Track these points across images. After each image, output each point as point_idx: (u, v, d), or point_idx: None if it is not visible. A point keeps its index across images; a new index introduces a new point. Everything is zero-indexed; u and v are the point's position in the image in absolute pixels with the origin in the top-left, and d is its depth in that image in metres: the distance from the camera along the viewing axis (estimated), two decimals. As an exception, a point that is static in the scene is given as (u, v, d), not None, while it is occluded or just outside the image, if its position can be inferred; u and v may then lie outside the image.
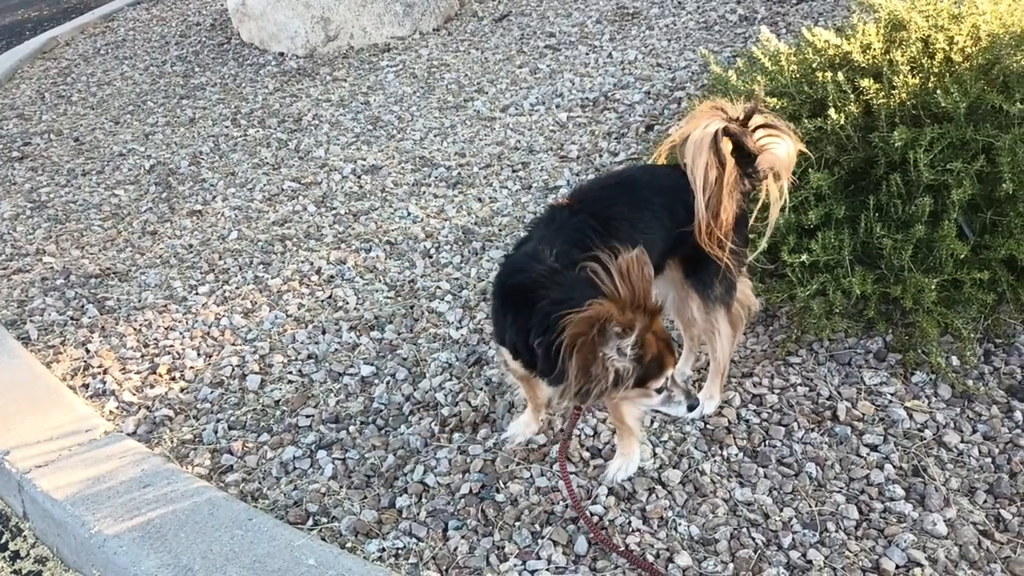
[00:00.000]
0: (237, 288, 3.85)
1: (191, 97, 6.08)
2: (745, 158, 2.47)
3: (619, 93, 4.93)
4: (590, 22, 6.01)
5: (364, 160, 4.79)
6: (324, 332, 3.48)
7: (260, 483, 2.82)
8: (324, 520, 2.64)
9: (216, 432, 3.04)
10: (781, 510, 2.45)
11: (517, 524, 2.53)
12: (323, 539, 2.57)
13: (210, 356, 3.43)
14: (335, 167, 4.77)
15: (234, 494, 2.78)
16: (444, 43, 6.23)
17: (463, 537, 2.52)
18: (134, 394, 3.26)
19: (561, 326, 2.03)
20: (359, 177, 4.64)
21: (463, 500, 2.64)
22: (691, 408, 2.36)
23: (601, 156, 4.36)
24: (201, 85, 6.26)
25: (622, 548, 2.37)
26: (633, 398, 2.30)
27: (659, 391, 2.27)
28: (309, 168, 4.81)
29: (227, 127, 5.51)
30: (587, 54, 5.54)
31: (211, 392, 3.23)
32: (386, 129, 5.13)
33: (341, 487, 2.75)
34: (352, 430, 2.98)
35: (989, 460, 2.51)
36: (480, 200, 4.24)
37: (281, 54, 6.57)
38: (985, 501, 2.40)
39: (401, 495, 2.69)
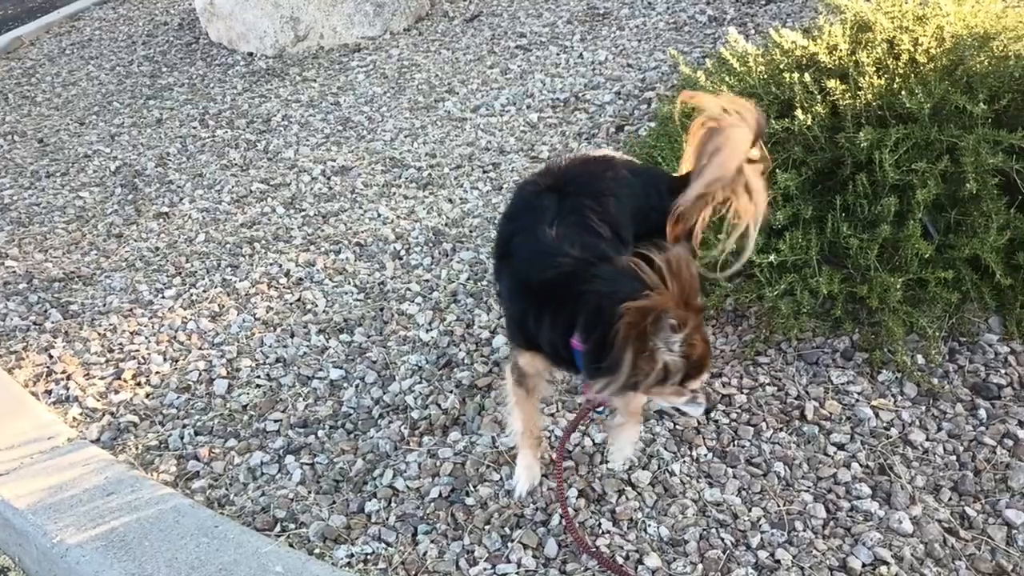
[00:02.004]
0: (204, 291, 3.80)
1: (158, 98, 6.00)
2: None
3: (589, 93, 4.93)
4: (561, 22, 6.01)
5: (334, 161, 4.75)
6: (293, 335, 3.45)
7: (227, 489, 2.78)
8: (292, 526, 2.61)
9: (182, 438, 3.00)
10: (750, 510, 2.46)
11: (487, 527, 2.52)
12: (291, 545, 2.54)
13: (176, 361, 3.39)
14: (304, 168, 4.73)
15: (200, 501, 2.74)
16: (415, 43, 6.20)
17: (432, 541, 2.50)
18: (98, 400, 3.21)
19: (618, 314, 1.95)
20: (329, 178, 4.60)
21: (433, 504, 2.62)
22: (707, 411, 2.35)
23: (572, 157, 4.36)
24: (168, 85, 6.18)
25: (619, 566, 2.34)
26: (667, 394, 2.18)
27: (692, 392, 2.18)
28: (278, 169, 4.76)
29: (195, 128, 5.44)
30: (558, 54, 5.53)
31: (177, 397, 3.19)
32: (356, 130, 5.09)
33: (309, 492, 2.73)
34: (321, 434, 2.95)
35: (954, 458, 2.53)
36: (451, 201, 4.22)
37: (250, 54, 6.50)
38: (950, 499, 2.42)
39: (370, 500, 2.67)
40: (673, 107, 3.75)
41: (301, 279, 3.80)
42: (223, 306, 3.68)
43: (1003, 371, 2.79)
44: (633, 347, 1.96)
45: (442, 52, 5.96)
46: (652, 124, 4.32)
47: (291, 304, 3.64)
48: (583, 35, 5.74)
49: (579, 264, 2.14)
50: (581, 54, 5.46)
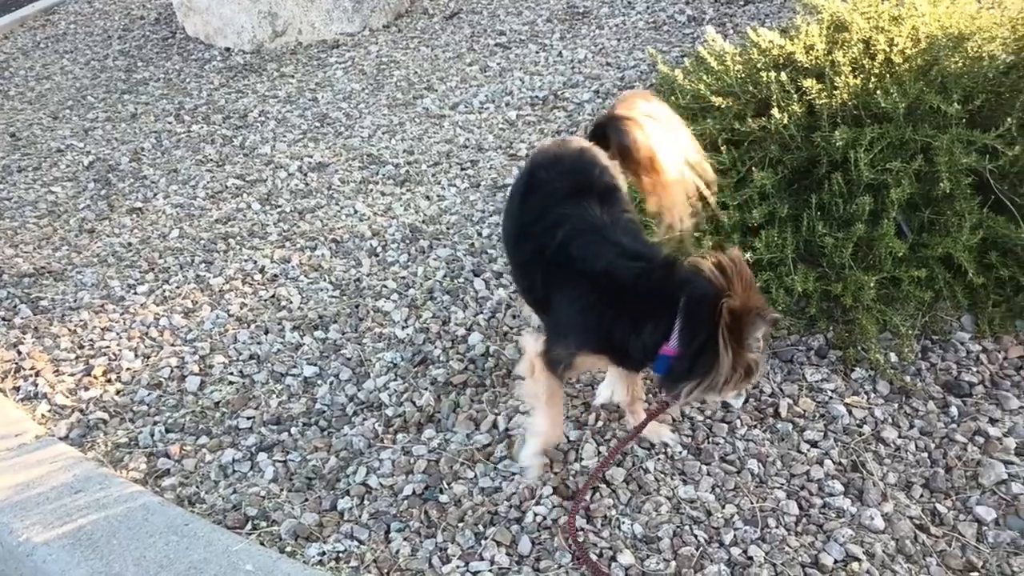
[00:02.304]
0: (177, 287, 3.75)
1: (133, 92, 5.93)
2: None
3: (568, 92, 4.92)
4: (541, 21, 6.00)
5: (311, 157, 4.72)
6: (267, 332, 3.41)
7: (198, 487, 2.75)
8: (263, 524, 2.58)
9: (153, 435, 2.96)
10: (723, 507, 2.46)
11: (460, 525, 2.50)
12: (262, 544, 2.51)
13: (148, 357, 3.34)
14: (281, 164, 4.69)
15: (170, 499, 2.70)
16: (394, 40, 6.17)
17: (405, 539, 2.48)
18: (67, 397, 3.16)
19: (717, 315, 1.99)
20: (305, 174, 4.56)
21: (406, 501, 2.60)
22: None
23: (550, 154, 4.35)
24: (144, 80, 6.11)
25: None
26: (732, 391, 2.22)
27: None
28: (254, 165, 4.72)
29: (170, 123, 5.38)
30: (537, 52, 5.52)
31: (148, 394, 3.14)
32: (334, 126, 5.05)
33: (282, 490, 2.70)
34: (294, 432, 2.92)
35: (925, 455, 2.55)
36: (428, 198, 4.19)
37: (227, 49, 6.44)
38: (921, 495, 2.43)
39: (343, 497, 2.64)
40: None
41: (276, 275, 3.77)
42: (196, 302, 3.64)
43: (975, 369, 2.81)
44: (732, 348, 2.01)
45: (421, 49, 5.94)
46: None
47: (265, 301, 3.61)
48: (563, 33, 5.73)
49: (653, 268, 2.17)
50: (560, 52, 5.46)
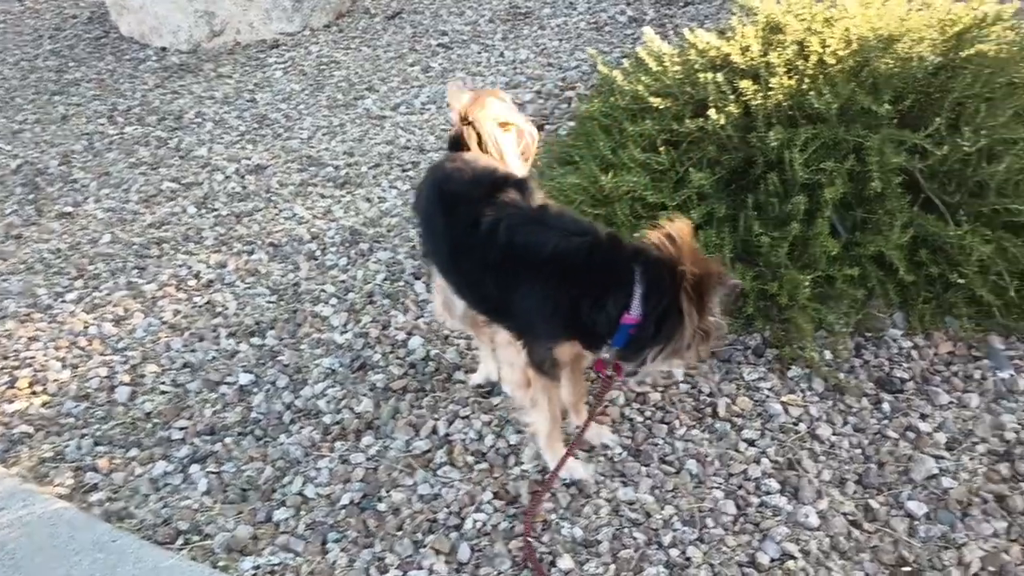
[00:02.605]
0: (108, 295, 3.64)
1: (64, 93, 5.75)
2: None
3: (510, 92, 4.89)
4: (483, 21, 5.97)
5: (249, 159, 4.62)
6: (201, 339, 3.32)
7: (127, 502, 2.66)
8: (196, 538, 2.51)
9: (80, 449, 2.86)
10: (662, 508, 2.46)
11: (399, 533, 2.46)
12: (194, 559, 2.44)
13: (76, 367, 3.23)
14: (218, 167, 4.58)
15: (97, 515, 2.62)
16: (335, 40, 6.08)
17: (343, 550, 2.44)
18: (-11, 410, 3.04)
19: (677, 282, 2.06)
20: (243, 177, 4.47)
21: (343, 511, 2.55)
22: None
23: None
24: (76, 81, 5.93)
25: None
26: (691, 356, 2.30)
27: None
28: (190, 168, 4.61)
29: (102, 125, 5.22)
30: (479, 53, 5.49)
31: (76, 406, 3.04)
32: (272, 127, 4.96)
33: (215, 502, 2.63)
34: (228, 442, 2.85)
35: (859, 451, 2.58)
36: (368, 200, 4.13)
37: (163, 49, 6.28)
38: (855, 492, 2.46)
39: (279, 508, 2.59)
40: (591, 106, 3.77)
41: (211, 281, 3.68)
42: (128, 310, 3.53)
43: (906, 365, 2.86)
44: (696, 310, 2.09)
45: (363, 49, 5.86)
46: (572, 123, 4.32)
47: (200, 307, 3.52)
48: (505, 34, 5.71)
49: (602, 247, 2.21)
50: (502, 53, 5.43)
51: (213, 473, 2.74)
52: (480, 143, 2.54)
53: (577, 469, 2.56)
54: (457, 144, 2.58)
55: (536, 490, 2.51)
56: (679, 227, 2.11)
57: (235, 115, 5.15)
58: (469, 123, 2.54)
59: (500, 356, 2.60)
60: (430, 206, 2.51)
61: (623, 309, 2.15)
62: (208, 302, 3.54)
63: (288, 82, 5.51)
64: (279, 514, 2.56)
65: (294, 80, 5.53)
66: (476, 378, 2.96)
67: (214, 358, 3.22)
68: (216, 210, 4.20)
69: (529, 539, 2.36)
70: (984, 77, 3.07)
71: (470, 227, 2.32)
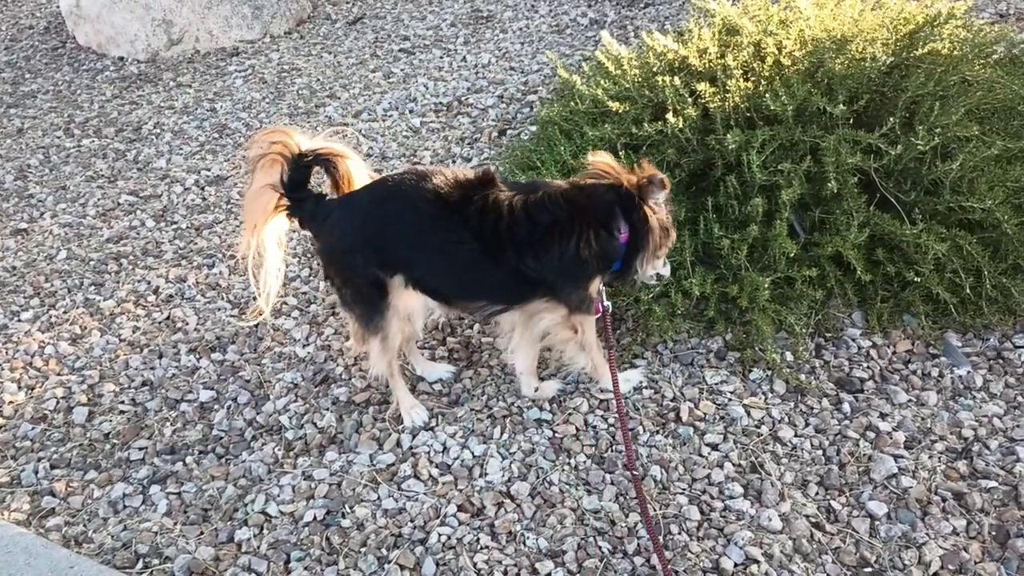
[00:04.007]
0: (65, 312, 3.57)
1: (20, 106, 5.65)
2: None
3: (472, 97, 4.88)
4: (445, 25, 5.95)
5: (209, 170, 4.56)
6: (161, 356, 3.28)
7: (85, 526, 2.62)
8: (156, 562, 2.47)
9: (37, 472, 2.81)
10: (627, 516, 2.46)
11: (363, 550, 2.44)
12: (153, 582, 2.40)
13: (32, 389, 3.17)
14: (177, 178, 4.52)
15: (55, 540, 2.57)
16: (296, 47, 6.03)
17: (306, 568, 2.41)
18: (-58, 436, 2.97)
19: (636, 194, 2.50)
20: (203, 188, 4.41)
21: (307, 528, 2.52)
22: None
23: (454, 162, 4.31)
24: (32, 93, 5.82)
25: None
26: (661, 256, 2.70)
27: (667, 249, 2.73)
28: (149, 180, 4.54)
29: (59, 137, 5.13)
30: (441, 57, 5.47)
31: (32, 428, 2.98)
32: (233, 137, 4.90)
33: (176, 524, 2.59)
34: (189, 461, 2.81)
35: (820, 452, 2.59)
36: (331, 210, 4.09)
37: (121, 58, 6.19)
38: (817, 493, 2.47)
39: (241, 528, 2.55)
40: (552, 111, 3.77)
41: (171, 296, 3.63)
42: (85, 328, 3.47)
43: (865, 364, 2.88)
44: (647, 214, 2.52)
45: (324, 56, 5.81)
46: (534, 128, 4.31)
47: (159, 323, 3.47)
48: (467, 38, 5.69)
49: (586, 187, 2.57)
50: (465, 57, 5.41)
51: (173, 494, 2.70)
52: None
53: (633, 377, 2.91)
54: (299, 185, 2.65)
55: (623, 422, 2.55)
56: (602, 158, 2.60)
57: (195, 125, 5.08)
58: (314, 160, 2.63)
59: (538, 328, 2.76)
60: (413, 219, 2.54)
61: (619, 233, 2.54)
62: (168, 317, 3.49)
63: (248, 90, 5.45)
64: (241, 534, 2.53)
65: (255, 88, 5.47)
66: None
67: (174, 375, 3.18)
68: (175, 223, 4.14)
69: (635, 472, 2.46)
70: (937, 76, 3.11)
71: (477, 226, 2.50)
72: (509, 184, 2.60)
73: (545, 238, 2.51)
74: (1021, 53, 3.82)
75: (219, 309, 3.51)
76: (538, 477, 2.60)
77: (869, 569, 2.25)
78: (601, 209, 2.54)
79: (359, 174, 2.71)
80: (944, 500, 2.40)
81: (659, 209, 2.54)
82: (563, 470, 2.62)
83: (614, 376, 2.59)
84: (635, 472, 2.44)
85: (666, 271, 2.80)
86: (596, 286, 2.66)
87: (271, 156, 2.59)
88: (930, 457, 2.53)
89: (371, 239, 2.57)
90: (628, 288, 3.05)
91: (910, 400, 2.74)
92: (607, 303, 2.70)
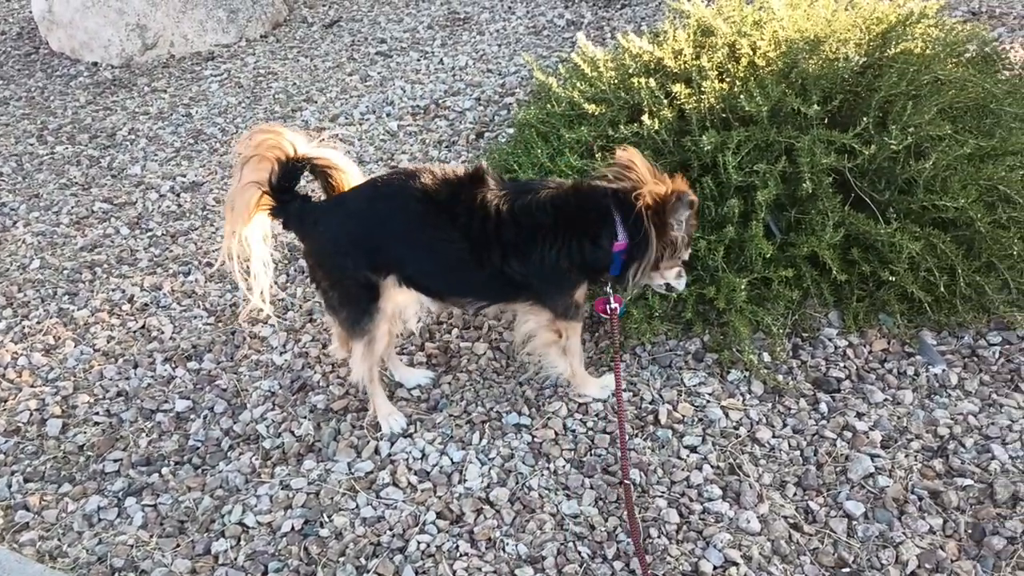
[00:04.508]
0: (38, 323, 3.53)
1: (-8, 113, 5.58)
2: None
3: (450, 100, 4.87)
4: (422, 28, 5.93)
5: (184, 176, 4.52)
6: (136, 366, 3.24)
7: (60, 540, 2.58)
8: (131, 575, 2.44)
9: (10, 487, 2.77)
10: (606, 520, 2.46)
11: (341, 560, 2.42)
12: (129, 597, 2.37)
13: (4, 401, 3.13)
14: (152, 185, 4.48)
15: (29, 555, 2.53)
16: (272, 50, 5.99)
17: (284, 579, 2.39)
18: (-87, 451, 2.93)
19: (639, 201, 2.41)
20: (178, 195, 4.37)
21: (285, 539, 2.50)
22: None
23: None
24: (3, 99, 5.75)
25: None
26: (669, 268, 2.65)
27: (684, 263, 2.70)
28: (123, 187, 4.49)
29: (32, 144, 5.07)
30: (418, 60, 5.45)
31: (4, 442, 2.94)
32: (209, 143, 4.86)
33: (151, 536, 2.56)
34: (165, 472, 2.78)
35: (798, 453, 2.60)
36: (308, 215, 4.06)
37: (95, 64, 6.13)
38: (795, 494, 2.48)
39: (218, 539, 2.53)
40: (529, 113, 3.76)
41: (146, 304, 3.59)
42: (59, 338, 3.43)
43: (842, 364, 2.89)
44: (655, 227, 2.44)
45: (300, 59, 5.78)
46: (511, 130, 4.30)
47: (135, 332, 3.43)
48: (444, 40, 5.68)
49: (584, 189, 2.54)
50: (442, 60, 5.40)
51: (149, 506, 2.67)
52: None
53: (611, 383, 2.81)
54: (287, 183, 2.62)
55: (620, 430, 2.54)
56: (630, 154, 2.50)
57: (170, 131, 5.04)
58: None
59: (523, 331, 2.78)
60: (403, 218, 2.54)
61: (613, 239, 2.49)
62: (143, 327, 3.45)
63: (224, 95, 5.41)
64: (218, 545, 2.50)
65: (230, 93, 5.43)
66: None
67: (149, 385, 3.15)
68: (151, 230, 4.10)
69: (627, 482, 2.45)
70: (910, 75, 3.12)
71: (465, 225, 2.49)
72: (504, 183, 2.58)
73: (529, 242, 2.50)
74: (993, 51, 3.86)
75: (195, 317, 3.48)
76: (517, 482, 2.59)
77: (847, 569, 2.26)
78: (591, 216, 2.51)
79: (353, 183, 2.68)
80: (920, 499, 2.41)
81: (677, 225, 2.47)
82: (542, 475, 2.62)
83: (618, 380, 2.59)
84: (627, 481, 2.43)
85: (679, 284, 2.74)
86: (582, 292, 2.67)
87: (260, 155, 2.56)
88: (906, 456, 2.55)
89: (362, 241, 2.57)
90: (635, 292, 2.97)
91: (886, 399, 2.75)
92: (615, 304, 2.66)
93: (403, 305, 2.70)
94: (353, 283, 2.61)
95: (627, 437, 2.66)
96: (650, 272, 2.59)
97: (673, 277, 2.70)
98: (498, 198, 2.50)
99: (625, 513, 2.44)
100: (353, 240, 2.58)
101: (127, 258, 3.91)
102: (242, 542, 2.51)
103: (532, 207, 2.49)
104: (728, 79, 3.29)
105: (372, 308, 2.63)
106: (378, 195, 2.60)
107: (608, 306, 2.67)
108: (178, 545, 2.53)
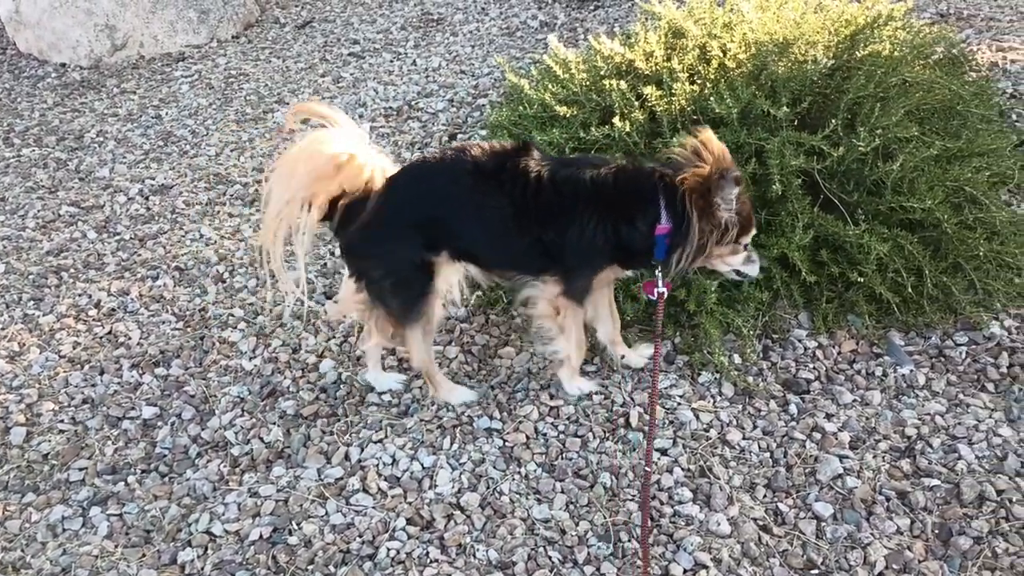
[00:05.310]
0: (2, 329, 3.47)
1: (-44, 115, 5.49)
2: None
3: (423, 101, 4.85)
4: (395, 28, 5.90)
5: (153, 179, 4.47)
6: (102, 372, 3.19)
7: (23, 551, 2.54)
8: (96, 586, 2.40)
9: (-28, 497, 2.72)
10: (577, 524, 2.45)
11: (310, 568, 2.40)
12: (93, 608, 2.33)
13: (-33, 410, 3.07)
14: (120, 188, 4.42)
15: (-9, 567, 2.48)
16: (243, 51, 5.94)
17: (251, 588, 2.36)
18: None
19: (683, 184, 2.36)
20: (147, 198, 4.32)
21: (253, 547, 2.47)
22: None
23: (404, 167, 4.27)
24: (-31, 101, 5.67)
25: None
26: (726, 255, 2.56)
27: (745, 248, 2.58)
28: (91, 190, 4.43)
29: (-3, 147, 5.00)
30: (391, 61, 5.42)
31: (-34, 451, 2.89)
32: (178, 145, 4.81)
33: (117, 547, 2.52)
34: (131, 480, 2.74)
35: (768, 455, 2.60)
36: (279, 218, 4.03)
37: (63, 65, 6.05)
38: (764, 496, 2.48)
39: (184, 549, 2.49)
40: (501, 115, 3.75)
41: (114, 309, 3.54)
42: (23, 344, 3.37)
43: (811, 365, 2.90)
44: (699, 206, 2.35)
45: (272, 60, 5.73)
46: (484, 132, 4.29)
47: (101, 338, 3.38)
48: (417, 41, 5.65)
49: (630, 168, 2.51)
50: (415, 61, 5.37)
51: (115, 515, 2.63)
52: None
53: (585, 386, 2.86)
54: None
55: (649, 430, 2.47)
56: (705, 136, 2.38)
57: (139, 133, 4.98)
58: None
59: (530, 293, 2.72)
60: (457, 192, 2.56)
61: (655, 222, 2.44)
62: (110, 332, 3.41)
63: (195, 96, 5.35)
64: (184, 555, 2.47)
65: (201, 94, 5.37)
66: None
67: (116, 392, 3.10)
68: (118, 234, 4.05)
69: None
70: (877, 77, 3.14)
71: (519, 194, 2.48)
72: (548, 156, 2.59)
73: (570, 214, 2.49)
74: (960, 53, 3.90)
75: (163, 322, 3.44)
76: (488, 487, 2.58)
77: (816, 571, 2.26)
78: (633, 196, 2.47)
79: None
80: (888, 499, 2.42)
81: (725, 205, 2.37)
82: (513, 479, 2.60)
83: (656, 366, 2.57)
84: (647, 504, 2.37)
85: (750, 269, 2.64)
86: (604, 278, 2.66)
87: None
88: (874, 457, 2.56)
89: (417, 221, 2.57)
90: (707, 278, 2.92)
91: (855, 400, 2.76)
92: (662, 288, 2.57)
93: (453, 281, 2.72)
94: (409, 267, 2.62)
95: (656, 430, 2.64)
96: (702, 258, 2.50)
97: (740, 262, 2.61)
98: (542, 168, 2.49)
99: (595, 517, 2.44)
100: (409, 222, 2.57)
101: (94, 262, 3.86)
102: (209, 551, 2.48)
103: (577, 180, 2.48)
104: (699, 81, 3.29)
105: (428, 288, 2.64)
106: (427, 173, 2.62)
107: (657, 289, 2.58)
108: (144, 555, 2.49)
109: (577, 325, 2.73)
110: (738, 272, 2.66)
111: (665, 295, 2.60)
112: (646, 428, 2.72)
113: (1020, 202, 3.50)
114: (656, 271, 2.57)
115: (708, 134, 2.39)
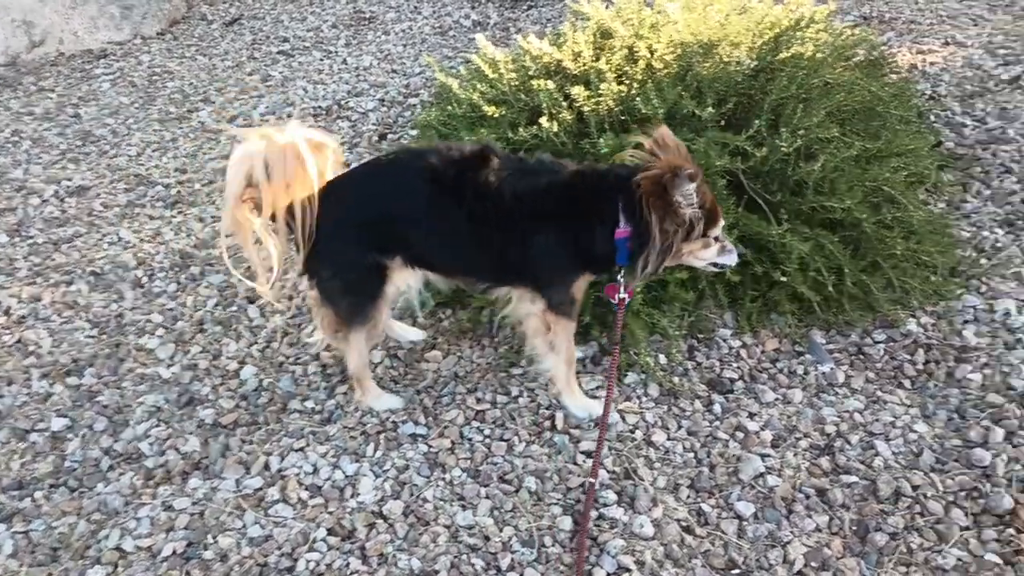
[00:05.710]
0: (-97, 339, 3.30)
1: None
2: None
3: (353, 101, 4.77)
4: (326, 27, 5.80)
5: (70, 180, 4.30)
6: (10, 383, 3.06)
7: (-81, 573, 2.40)
8: (-4, 609, 2.29)
9: None
10: (501, 530, 2.41)
11: (226, 582, 2.32)
12: (-7, 633, 2.22)
13: None
14: (34, 190, 4.25)
15: None
16: (168, 48, 5.77)
17: (163, 606, 2.27)
18: None
19: (638, 187, 2.28)
20: (63, 200, 4.16)
21: (166, 563, 2.38)
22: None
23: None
24: None
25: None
26: (697, 250, 2.50)
27: (716, 239, 2.51)
28: (3, 192, 4.25)
29: (-97, 147, 4.76)
30: (321, 60, 5.33)
31: None
32: (98, 145, 4.64)
33: (21, 566, 2.41)
34: (38, 496, 2.62)
35: (692, 455, 2.61)
36: (202, 220, 3.92)
37: (-23, 61, 5.80)
38: (688, 496, 2.48)
39: (93, 567, 2.39)
40: (430, 115, 3.70)
41: (24, 317, 3.39)
42: (-74, 355, 3.21)
43: (735, 364, 2.92)
44: (657, 208, 2.29)
45: (198, 58, 5.58)
46: (415, 132, 4.23)
47: (10, 347, 3.23)
48: (348, 40, 5.56)
49: (588, 173, 2.45)
50: (345, 60, 5.28)
51: (20, 533, 2.51)
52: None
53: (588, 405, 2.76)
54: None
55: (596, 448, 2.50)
56: (659, 132, 2.38)
57: (56, 132, 4.79)
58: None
59: (518, 311, 2.67)
60: (409, 196, 2.49)
61: (614, 225, 2.38)
62: (19, 341, 3.26)
63: (116, 95, 5.18)
64: (93, 573, 2.36)
65: (123, 92, 5.20)
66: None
67: (24, 403, 2.97)
68: (31, 238, 3.89)
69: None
70: (800, 79, 3.17)
71: (480, 197, 2.42)
72: (509, 160, 2.50)
73: (528, 226, 2.43)
74: (880, 55, 3.98)
75: (76, 330, 3.30)
76: (412, 494, 2.53)
77: (737, 571, 2.27)
78: (590, 202, 2.41)
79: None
80: (808, 497, 2.44)
81: (685, 202, 2.29)
82: (437, 486, 2.56)
83: (612, 372, 2.58)
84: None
85: (727, 259, 2.58)
86: (581, 286, 2.58)
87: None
88: (795, 455, 2.58)
89: (369, 223, 2.50)
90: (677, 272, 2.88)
91: (777, 399, 2.78)
92: (623, 294, 2.52)
93: (412, 286, 2.65)
94: (359, 268, 2.55)
95: (605, 434, 2.60)
96: (671, 257, 2.44)
97: (715, 255, 2.55)
98: (500, 174, 2.42)
99: (520, 522, 2.41)
100: (360, 223, 2.50)
101: (4, 267, 3.69)
102: (119, 569, 2.38)
103: (533, 190, 2.41)
104: (626, 81, 3.29)
105: (378, 292, 2.57)
106: (381, 174, 2.55)
107: (617, 295, 2.54)
108: (50, 574, 2.38)
109: (568, 341, 2.65)
110: (715, 264, 2.62)
111: (627, 301, 2.57)
112: (571, 431, 2.71)
113: (936, 201, 3.59)
114: (619, 277, 2.53)
115: (663, 131, 2.38)
